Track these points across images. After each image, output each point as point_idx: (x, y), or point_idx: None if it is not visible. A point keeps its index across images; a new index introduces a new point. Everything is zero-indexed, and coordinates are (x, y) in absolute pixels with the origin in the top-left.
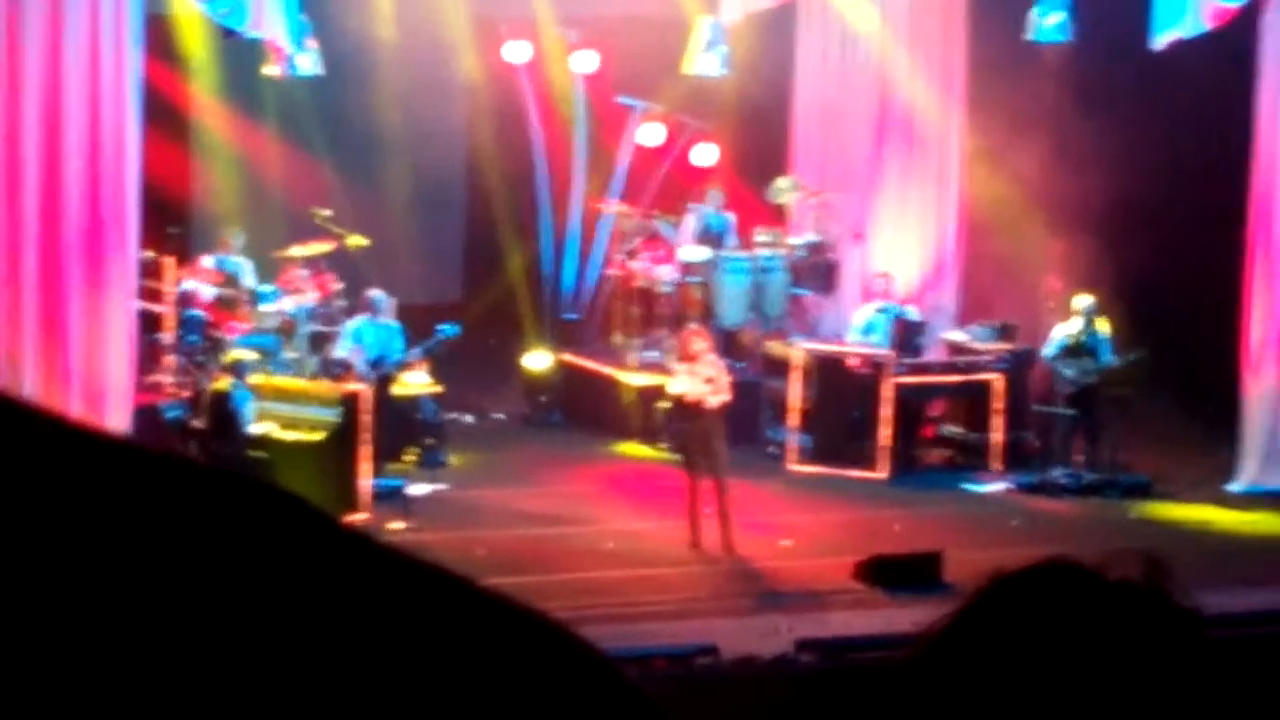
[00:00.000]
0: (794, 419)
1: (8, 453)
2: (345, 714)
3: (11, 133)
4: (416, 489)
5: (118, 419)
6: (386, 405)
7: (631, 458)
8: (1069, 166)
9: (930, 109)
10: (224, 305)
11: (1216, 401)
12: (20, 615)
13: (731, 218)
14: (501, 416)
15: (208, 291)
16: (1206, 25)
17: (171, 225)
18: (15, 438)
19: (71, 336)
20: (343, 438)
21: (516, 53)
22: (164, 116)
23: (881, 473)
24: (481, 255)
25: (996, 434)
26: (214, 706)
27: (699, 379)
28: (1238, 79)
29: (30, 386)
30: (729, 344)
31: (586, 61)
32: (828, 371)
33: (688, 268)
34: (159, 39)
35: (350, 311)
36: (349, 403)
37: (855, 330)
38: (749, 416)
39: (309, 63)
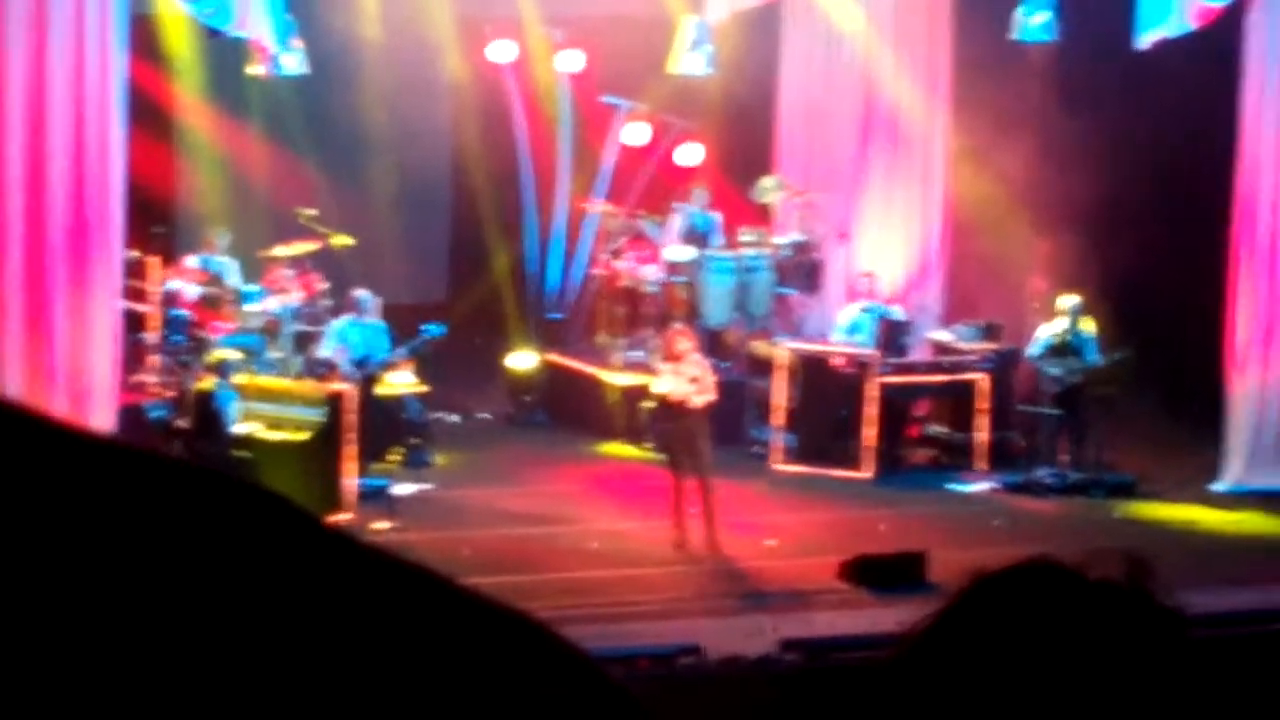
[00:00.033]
0: (779, 418)
1: None
2: (326, 715)
3: None
4: (401, 489)
5: (102, 418)
6: (371, 405)
7: (616, 457)
8: (1054, 166)
9: (915, 108)
10: (209, 305)
11: (1201, 401)
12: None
13: (717, 217)
14: (486, 416)
15: (192, 291)
16: (1191, 25)
17: (156, 225)
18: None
19: (56, 336)
20: (327, 437)
21: (501, 52)
22: (149, 116)
23: (866, 472)
24: (466, 255)
25: (981, 434)
26: (195, 706)
27: (684, 379)
28: (1222, 78)
29: (15, 386)
30: (714, 343)
31: (571, 61)
32: (812, 371)
33: (673, 267)
34: (144, 39)
35: (335, 311)
36: (334, 402)
37: (840, 330)
38: (734, 416)
39: (294, 62)
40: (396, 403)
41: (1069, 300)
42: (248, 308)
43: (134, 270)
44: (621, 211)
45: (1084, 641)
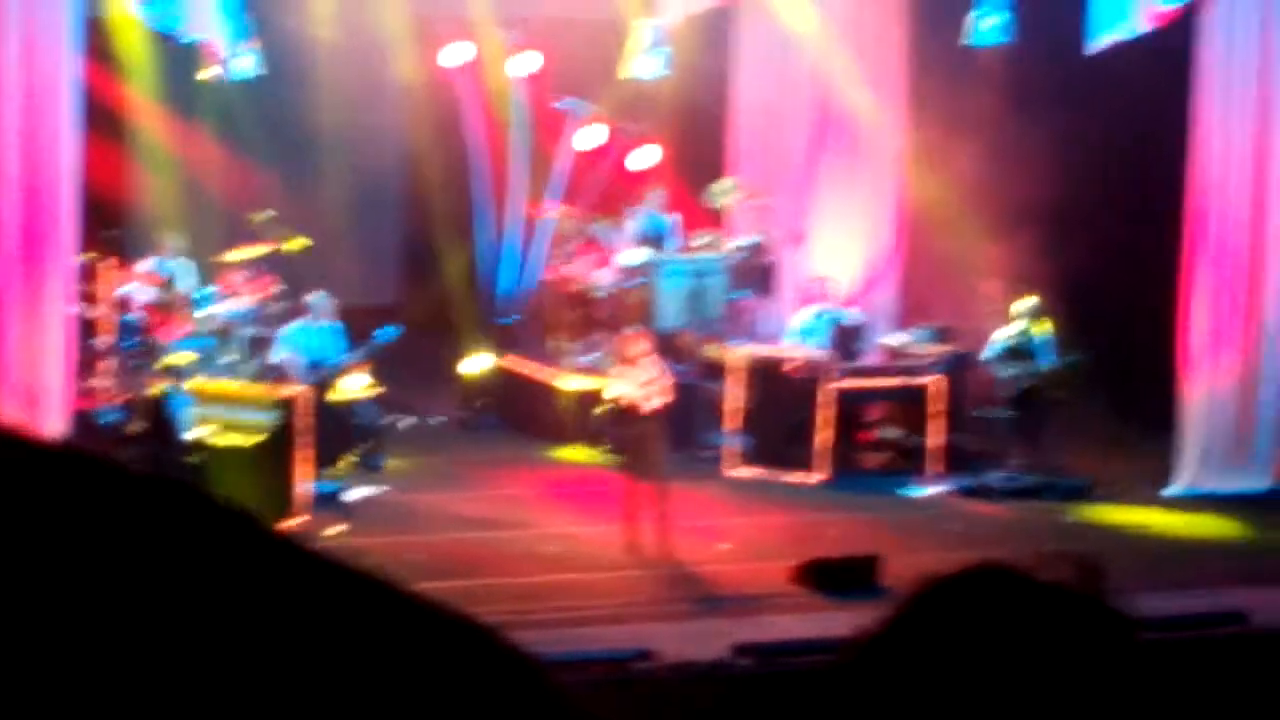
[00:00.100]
0: (732, 422)
1: None
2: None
3: None
4: (354, 493)
5: (54, 423)
6: (324, 409)
7: (569, 462)
8: (1007, 169)
9: (869, 111)
10: (162, 309)
11: (1154, 404)
12: None
13: (674, 219)
14: (439, 420)
15: (145, 295)
16: (1144, 27)
17: (109, 228)
18: None
19: (8, 340)
20: (281, 442)
21: (455, 55)
22: (101, 119)
23: (820, 476)
24: (419, 258)
25: (935, 437)
26: (138, 712)
27: (637, 382)
28: (1174, 81)
29: None
30: (667, 347)
31: (525, 64)
32: (766, 375)
33: (626, 271)
34: (96, 42)
35: (289, 314)
36: (287, 406)
37: (794, 333)
38: (687, 420)
39: (246, 65)
40: (350, 407)
41: (1024, 303)
42: (201, 312)
43: (86, 274)
44: (575, 215)
45: (1033, 645)
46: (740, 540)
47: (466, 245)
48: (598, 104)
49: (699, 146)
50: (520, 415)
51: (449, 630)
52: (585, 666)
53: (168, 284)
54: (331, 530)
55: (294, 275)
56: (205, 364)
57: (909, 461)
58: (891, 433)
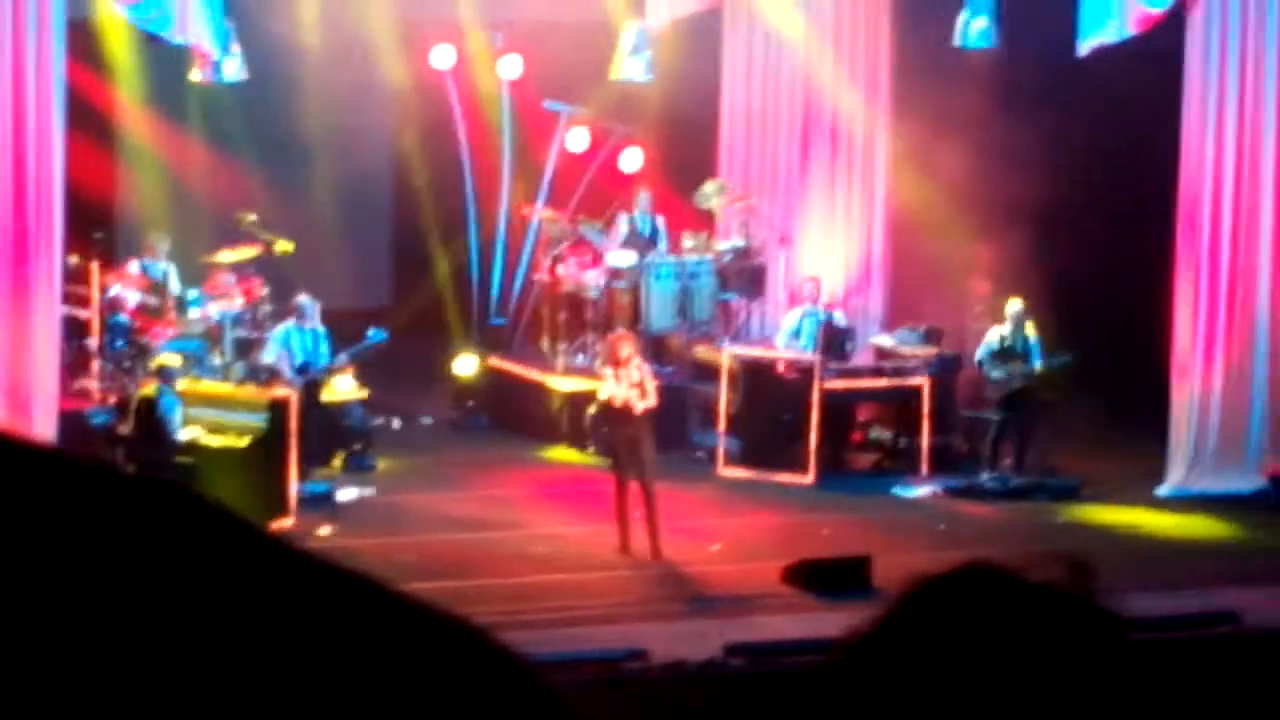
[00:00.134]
0: (722, 423)
1: None
2: None
3: None
4: (343, 494)
5: (43, 425)
6: (313, 410)
7: (559, 462)
8: (995, 170)
9: (856, 113)
10: (150, 311)
11: (1144, 405)
12: None
13: (662, 220)
14: (429, 421)
15: (133, 297)
16: (1131, 30)
17: (97, 230)
18: None
19: None
20: (270, 443)
21: (442, 58)
22: (89, 121)
23: (810, 477)
24: (408, 260)
25: (924, 438)
26: (126, 714)
27: (627, 384)
28: (1163, 84)
29: None
30: (657, 349)
31: (513, 66)
32: (755, 376)
33: (615, 273)
34: (83, 44)
35: (277, 316)
36: (276, 408)
37: (783, 335)
38: (677, 421)
39: (234, 68)
40: (338, 408)
41: (1014, 305)
42: (189, 313)
43: (74, 276)
44: (563, 217)
45: (1024, 645)
46: (731, 541)
47: (455, 247)
48: (586, 106)
49: (686, 148)
50: (511, 416)
51: (440, 631)
52: (577, 667)
53: (155, 286)
54: (322, 531)
55: (283, 277)
56: (193, 366)
57: (898, 462)
58: (880, 433)
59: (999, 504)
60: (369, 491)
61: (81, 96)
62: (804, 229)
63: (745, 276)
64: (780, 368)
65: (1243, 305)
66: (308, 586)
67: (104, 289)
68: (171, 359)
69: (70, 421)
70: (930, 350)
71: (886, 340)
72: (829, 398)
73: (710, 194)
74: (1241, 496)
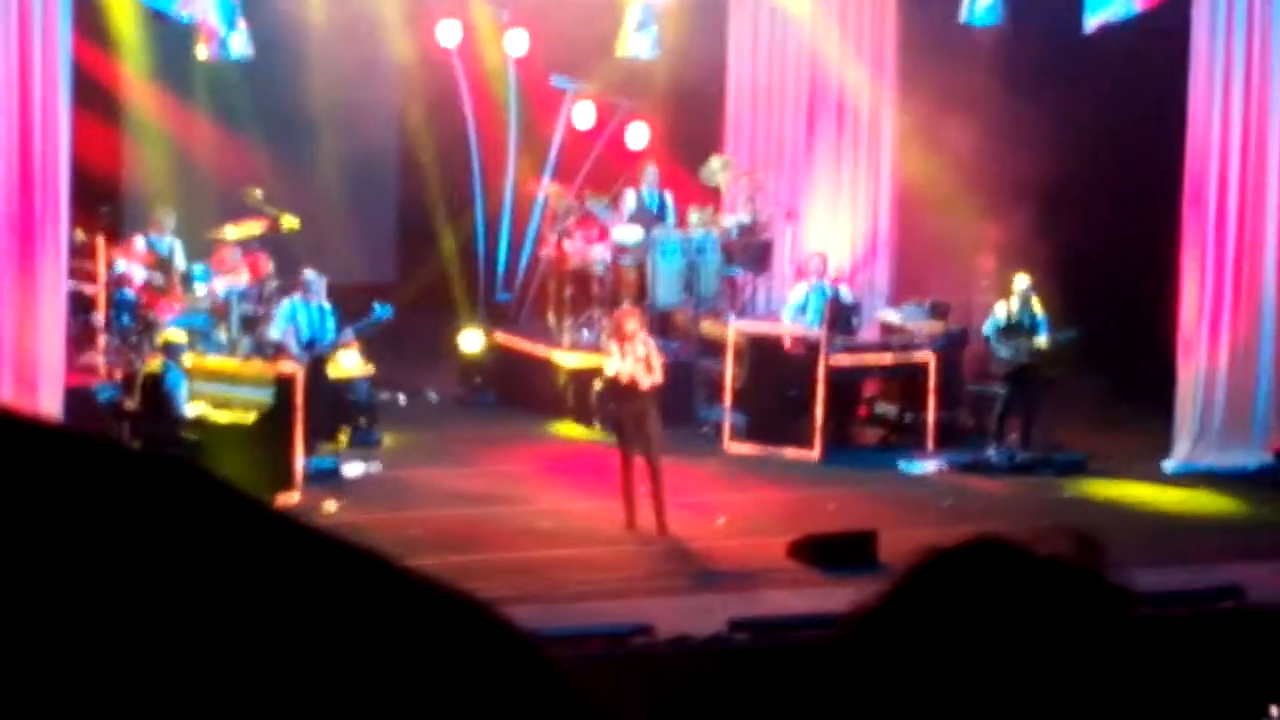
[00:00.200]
0: (728, 398)
1: None
2: (265, 698)
3: None
4: (349, 469)
5: (50, 401)
6: (319, 386)
7: (565, 438)
8: (1001, 147)
9: (862, 89)
10: (156, 286)
11: (1150, 380)
12: None
13: (669, 195)
14: (435, 397)
15: (139, 272)
16: (1138, 7)
17: (103, 206)
18: None
19: (3, 318)
20: (276, 418)
21: (448, 33)
22: (95, 98)
23: (815, 452)
24: (414, 236)
25: (930, 413)
26: (135, 689)
27: (633, 359)
28: (1169, 60)
29: None
30: (663, 324)
31: (519, 42)
32: (762, 351)
33: (621, 248)
34: (89, 20)
35: (283, 292)
36: (282, 384)
37: (789, 310)
38: (683, 396)
39: (240, 44)
40: (345, 384)
41: (1021, 281)
42: (195, 289)
43: (80, 251)
44: (569, 192)
45: (1031, 618)
46: (737, 516)
47: (461, 223)
48: (591, 82)
49: (693, 124)
50: (517, 391)
51: (444, 606)
52: (583, 642)
53: (161, 261)
54: (328, 507)
55: (289, 253)
56: (199, 341)
57: (904, 437)
58: (886, 408)
59: (1005, 479)
60: (375, 467)
61: (87, 72)
62: (810, 204)
63: (751, 252)
64: (786, 343)
65: (1249, 281)
66: (313, 562)
67: (110, 264)
68: (177, 334)
69: (76, 397)
70: (936, 325)
71: (892, 315)
72: (835, 373)
73: (716, 169)
74: (1247, 472)
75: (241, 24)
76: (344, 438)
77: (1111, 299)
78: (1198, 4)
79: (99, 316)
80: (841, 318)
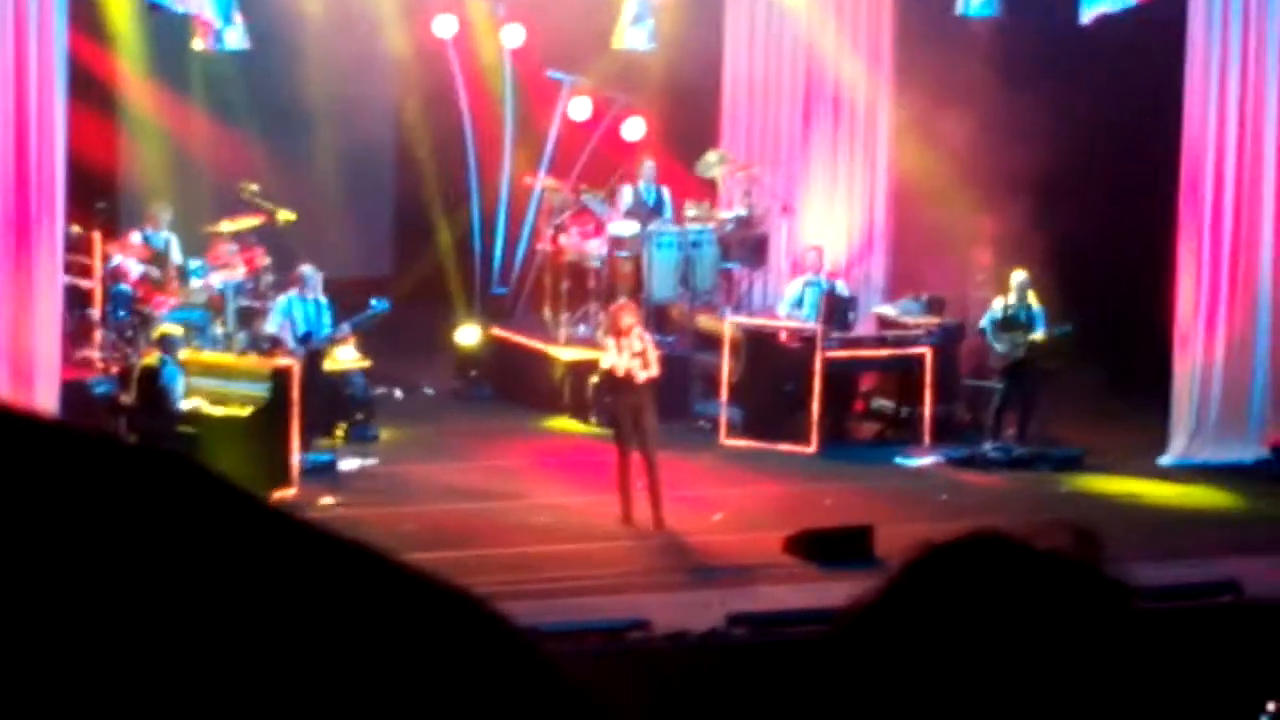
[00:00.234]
0: (725, 393)
1: None
2: (260, 693)
3: None
4: (346, 464)
5: (46, 395)
6: (316, 380)
7: (562, 432)
8: (997, 139)
9: (858, 82)
10: (152, 281)
11: (1147, 375)
12: None
13: (667, 190)
14: (431, 391)
15: (135, 267)
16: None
17: (99, 200)
18: None
19: None
20: (272, 413)
21: (444, 26)
22: (91, 91)
23: (812, 447)
24: (410, 230)
25: (927, 408)
26: (129, 685)
27: (629, 353)
28: (1165, 52)
29: None
30: (659, 318)
31: (515, 35)
32: (758, 345)
33: (617, 242)
34: (85, 14)
35: (279, 286)
36: (278, 378)
37: (785, 304)
38: (680, 391)
39: (236, 37)
40: (341, 378)
41: (1018, 275)
42: (191, 283)
43: (76, 245)
44: (565, 186)
45: (1030, 612)
46: (733, 510)
47: (458, 216)
48: (587, 76)
49: (689, 118)
50: (513, 386)
51: (440, 601)
52: (580, 637)
53: (157, 256)
54: (324, 501)
55: (285, 247)
56: (196, 335)
57: (901, 432)
58: (883, 403)
59: (1001, 474)
60: (371, 461)
61: (83, 66)
62: (806, 198)
63: (747, 246)
64: (783, 337)
65: (1245, 275)
66: (308, 557)
67: (106, 259)
68: (174, 329)
69: (72, 391)
70: (932, 320)
71: (889, 309)
72: (831, 367)
73: (712, 163)
74: (1243, 466)
75: (237, 17)
76: (340, 432)
77: (1107, 292)
78: None
79: (95, 311)
80: (838, 312)
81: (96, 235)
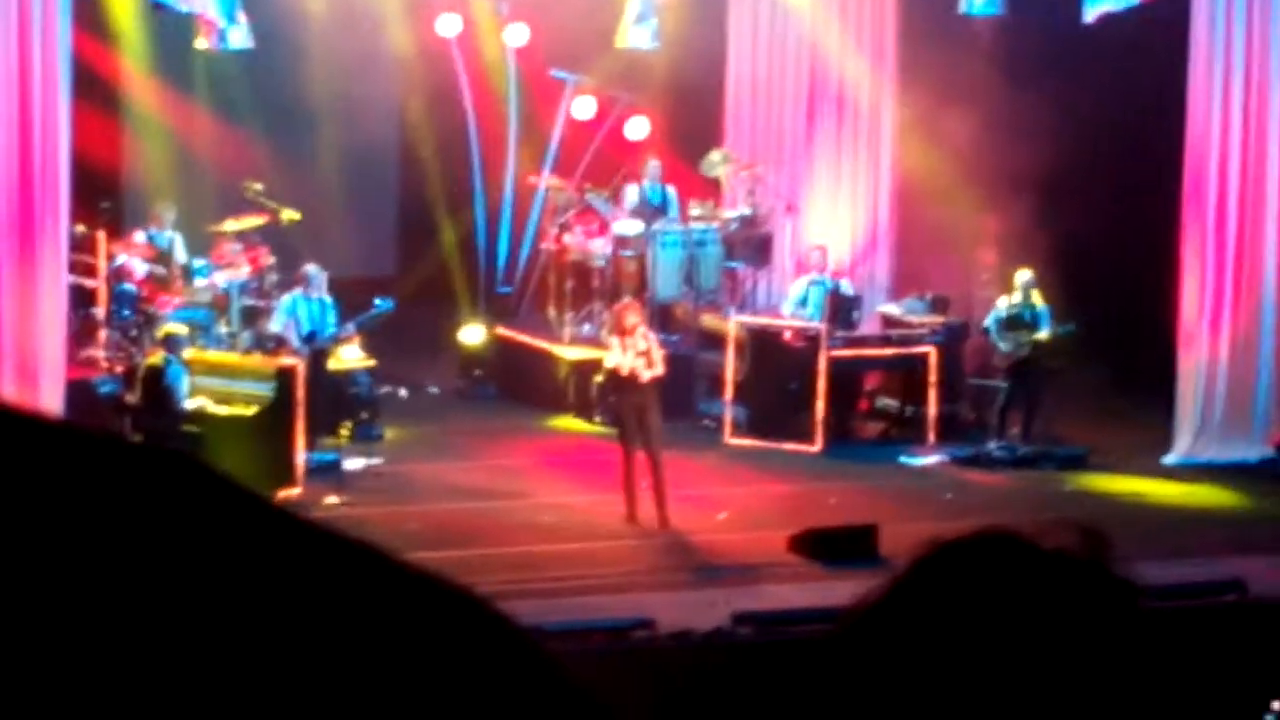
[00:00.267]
0: (729, 392)
1: None
2: (265, 692)
3: None
4: (350, 463)
5: (51, 395)
6: (320, 379)
7: (566, 431)
8: (1001, 139)
9: (862, 81)
10: (156, 280)
11: (1152, 374)
12: None
13: (672, 189)
14: (435, 390)
15: (140, 266)
16: None
17: (103, 199)
18: None
19: (3, 311)
20: (277, 412)
21: (448, 25)
22: (95, 91)
23: (816, 446)
24: (415, 229)
25: (931, 407)
26: (132, 683)
27: (634, 352)
28: (1169, 51)
29: None
30: (664, 317)
31: (518, 34)
32: (762, 345)
33: (621, 241)
34: (89, 13)
35: (284, 286)
36: (283, 377)
37: (789, 303)
38: (684, 390)
39: (240, 36)
40: (345, 377)
41: (1023, 274)
42: (196, 283)
43: (81, 245)
44: (569, 185)
45: (1037, 611)
46: (738, 509)
47: (461, 216)
48: (591, 75)
49: (692, 117)
50: (517, 385)
51: (445, 600)
52: (584, 636)
53: (162, 255)
54: (328, 500)
55: (289, 246)
56: (200, 335)
57: (906, 431)
58: (887, 402)
59: (1006, 472)
60: (376, 461)
61: (87, 65)
62: (810, 197)
63: (752, 245)
64: (787, 336)
65: (1249, 274)
66: (313, 556)
67: (110, 258)
68: (178, 328)
69: (77, 390)
70: (937, 319)
71: (893, 309)
72: (836, 366)
73: (716, 162)
74: (1248, 465)
75: (241, 16)
76: (345, 431)
77: (1112, 290)
78: None
79: (99, 310)
80: (842, 311)
81: (101, 234)
